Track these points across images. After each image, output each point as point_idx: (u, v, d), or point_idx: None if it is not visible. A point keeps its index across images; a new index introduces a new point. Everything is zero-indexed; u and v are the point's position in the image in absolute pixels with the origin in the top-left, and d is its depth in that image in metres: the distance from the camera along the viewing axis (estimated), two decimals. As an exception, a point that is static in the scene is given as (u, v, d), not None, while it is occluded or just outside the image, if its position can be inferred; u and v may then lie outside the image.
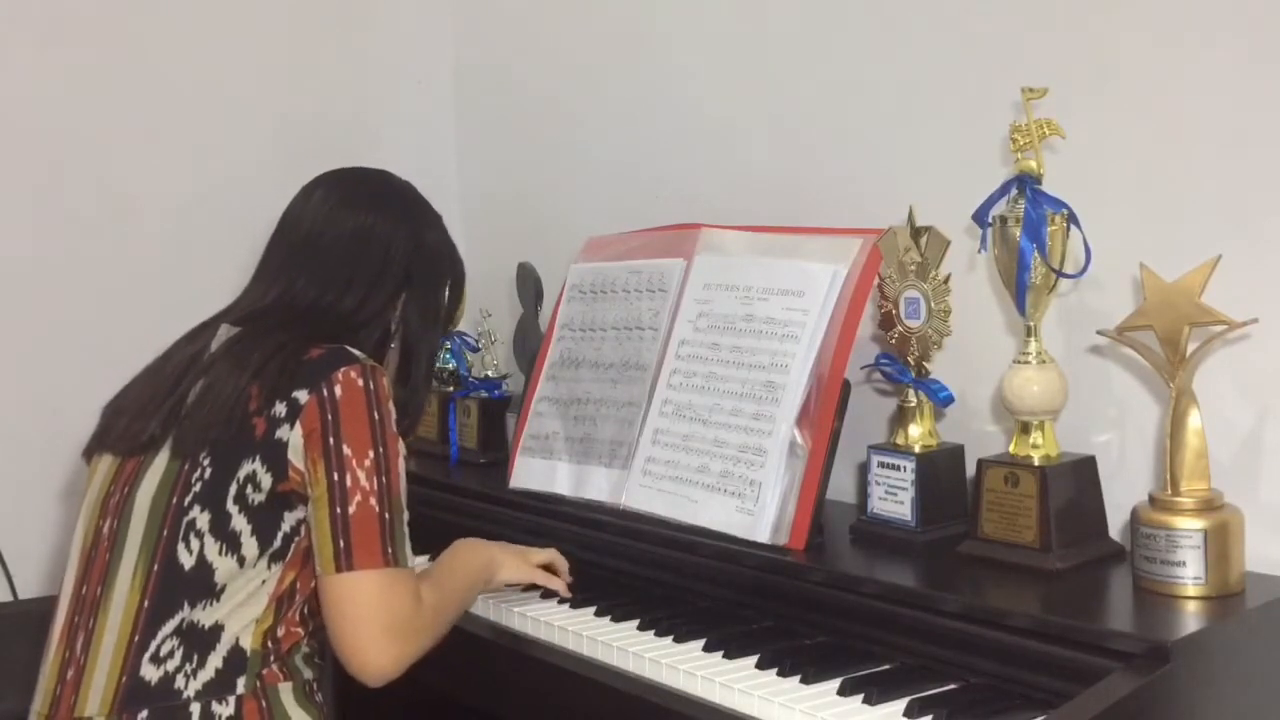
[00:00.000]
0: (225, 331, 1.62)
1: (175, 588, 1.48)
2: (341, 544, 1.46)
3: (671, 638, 1.62)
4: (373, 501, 1.47)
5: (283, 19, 2.61)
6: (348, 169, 1.76)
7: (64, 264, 2.36)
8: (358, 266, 1.65)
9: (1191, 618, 1.40)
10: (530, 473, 2.07)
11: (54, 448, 2.30)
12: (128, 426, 1.58)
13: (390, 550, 1.48)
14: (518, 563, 1.76)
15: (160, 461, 1.53)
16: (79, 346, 2.35)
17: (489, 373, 2.42)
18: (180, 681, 1.45)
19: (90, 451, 1.64)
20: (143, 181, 2.44)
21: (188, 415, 1.53)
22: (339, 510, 1.46)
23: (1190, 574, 1.44)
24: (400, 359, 1.71)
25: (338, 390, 1.49)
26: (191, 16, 2.49)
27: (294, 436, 1.48)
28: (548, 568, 1.80)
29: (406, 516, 1.53)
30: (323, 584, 1.48)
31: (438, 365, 2.34)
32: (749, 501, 1.73)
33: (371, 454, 1.49)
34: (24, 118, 2.33)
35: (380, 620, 1.46)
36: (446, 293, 1.77)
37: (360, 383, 1.50)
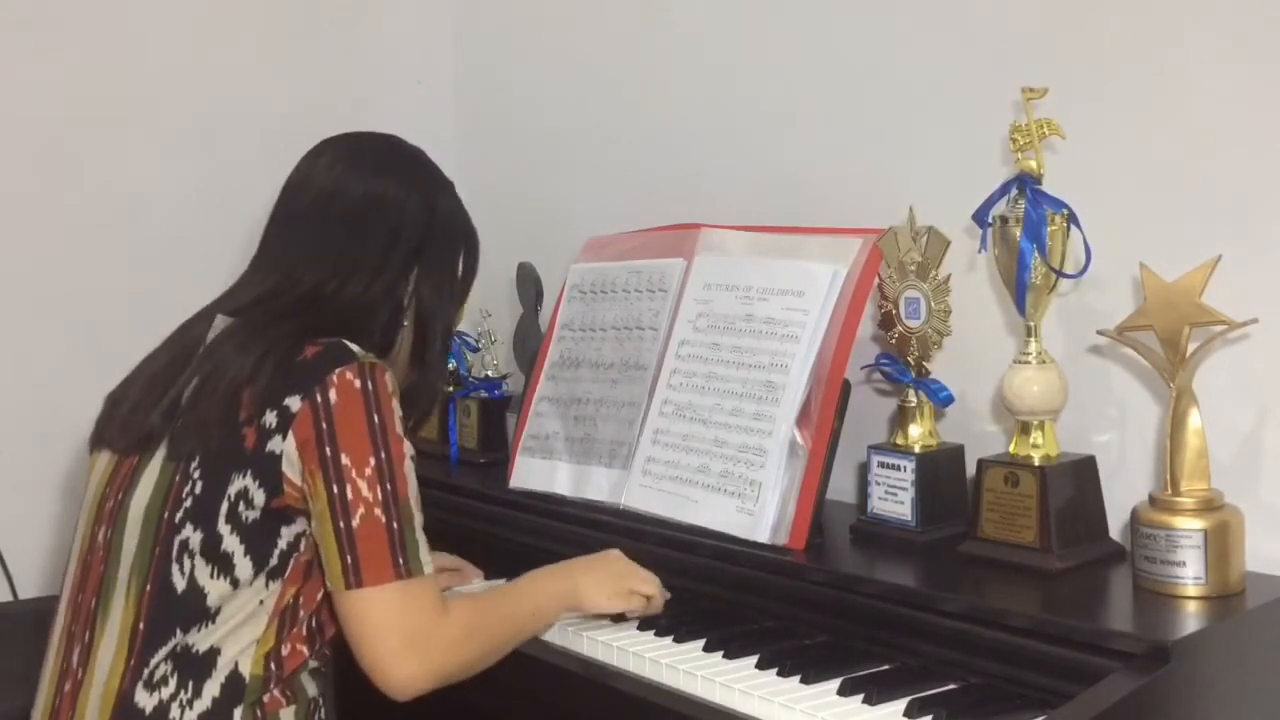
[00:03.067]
0: (221, 322, 1.55)
1: (169, 610, 1.42)
2: (349, 560, 1.39)
3: (671, 638, 1.62)
4: (378, 512, 1.40)
5: (282, 19, 2.61)
6: (355, 133, 1.68)
7: (64, 263, 2.36)
8: (366, 241, 1.56)
9: (1191, 618, 1.40)
10: (530, 473, 2.07)
11: (54, 447, 2.30)
12: (125, 421, 1.53)
13: (402, 561, 1.40)
14: (609, 595, 1.63)
15: (154, 467, 1.48)
16: (79, 345, 2.35)
17: (489, 373, 2.42)
18: (175, 711, 1.39)
19: (92, 442, 1.59)
20: (142, 181, 2.44)
21: (182, 415, 1.48)
22: (342, 525, 1.39)
23: (1190, 574, 1.44)
24: (414, 338, 1.63)
25: (332, 395, 1.41)
26: (191, 16, 2.49)
27: (287, 448, 1.41)
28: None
29: (419, 520, 1.44)
30: (335, 601, 1.42)
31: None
32: (749, 501, 1.73)
33: (373, 461, 1.41)
34: (24, 117, 2.33)
35: (397, 634, 1.40)
36: (461, 263, 1.69)
37: (357, 384, 1.42)
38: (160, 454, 1.48)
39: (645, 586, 1.66)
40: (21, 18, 2.32)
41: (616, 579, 1.65)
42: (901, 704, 1.39)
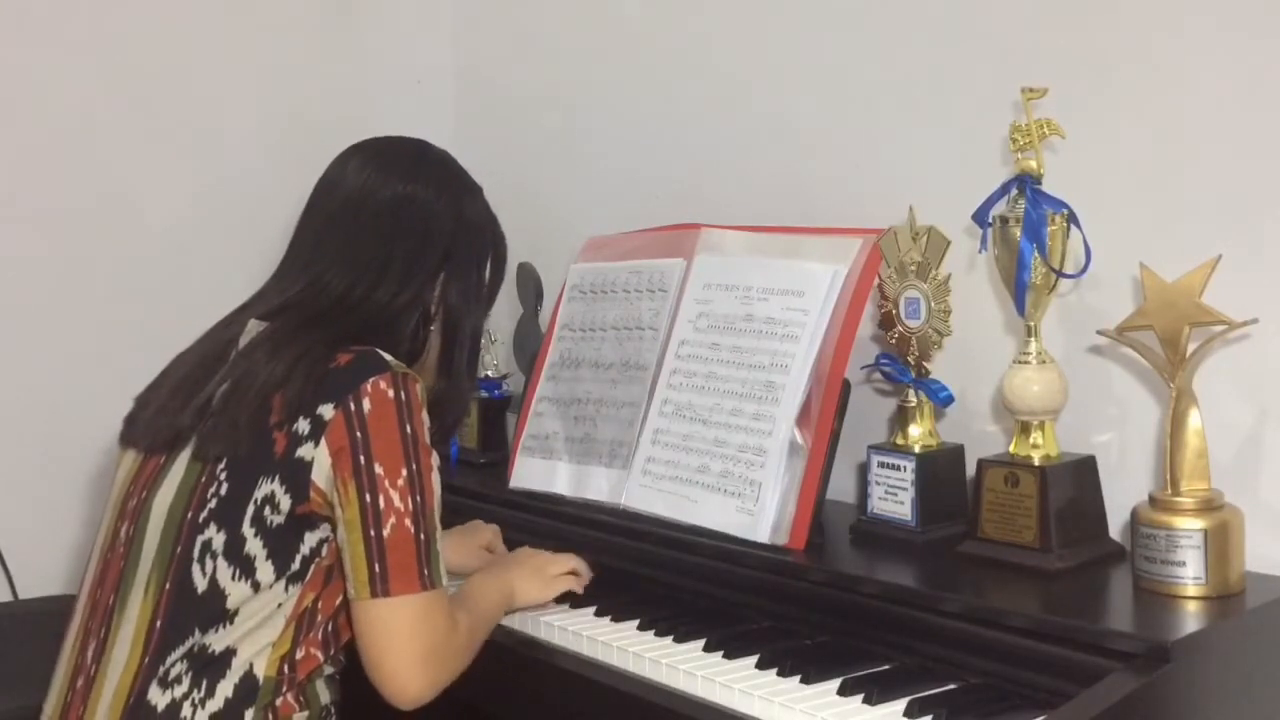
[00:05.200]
0: (254, 327, 1.55)
1: (187, 610, 1.42)
2: (377, 569, 1.40)
3: (671, 638, 1.62)
4: (408, 523, 1.41)
5: (282, 18, 2.61)
6: (384, 137, 1.70)
7: (65, 264, 2.36)
8: (394, 245, 1.57)
9: (1191, 618, 1.40)
10: (530, 473, 2.07)
11: (54, 447, 2.31)
12: (152, 420, 1.54)
13: (427, 572, 1.42)
14: (539, 585, 1.71)
15: (179, 467, 1.48)
16: (79, 346, 2.35)
17: (489, 373, 2.42)
18: (187, 710, 1.40)
19: (120, 441, 1.60)
20: (143, 181, 2.44)
21: (212, 416, 1.48)
22: (373, 534, 1.40)
23: (1190, 574, 1.44)
24: (441, 344, 1.64)
25: (366, 404, 1.42)
26: (191, 16, 2.49)
27: (319, 455, 1.41)
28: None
29: (440, 531, 1.47)
30: (356, 609, 1.43)
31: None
32: (749, 501, 1.73)
33: (405, 472, 1.42)
34: (24, 117, 2.33)
35: (417, 647, 1.42)
36: (488, 268, 1.70)
37: (391, 394, 1.43)
38: (186, 454, 1.49)
39: (565, 565, 1.74)
40: (21, 18, 2.32)
41: (540, 570, 1.72)
42: (901, 704, 1.38)
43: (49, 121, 2.35)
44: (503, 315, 2.48)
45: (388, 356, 1.48)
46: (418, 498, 1.43)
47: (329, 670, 1.49)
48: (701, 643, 1.58)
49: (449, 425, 1.64)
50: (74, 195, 2.37)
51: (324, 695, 1.49)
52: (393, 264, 1.57)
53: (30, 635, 1.91)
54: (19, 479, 2.30)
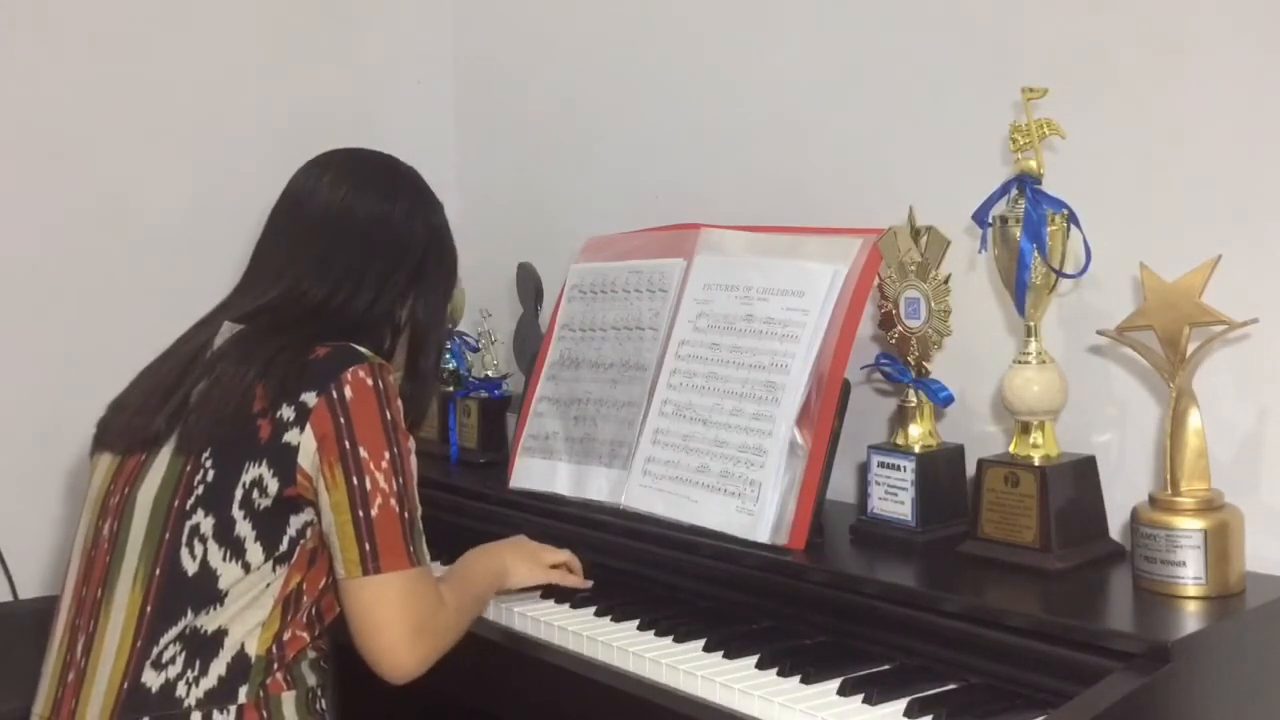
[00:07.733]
0: (229, 329, 1.59)
1: (178, 593, 1.46)
2: (367, 547, 1.46)
3: (671, 638, 1.62)
4: (393, 503, 1.47)
5: (283, 17, 2.61)
6: (355, 151, 1.73)
7: (64, 264, 2.36)
8: (372, 260, 1.62)
9: (1191, 618, 1.40)
10: (530, 473, 2.07)
11: (54, 447, 2.30)
12: (128, 423, 1.57)
13: (412, 549, 1.49)
14: (530, 568, 1.77)
15: (161, 461, 1.51)
16: (78, 346, 2.35)
17: (489, 373, 2.42)
18: (181, 689, 1.43)
19: (94, 446, 1.62)
20: (142, 181, 2.44)
21: (192, 412, 1.52)
22: (361, 514, 1.46)
23: (1190, 574, 1.44)
24: (408, 352, 1.69)
25: (348, 391, 1.47)
26: (191, 15, 2.49)
27: (305, 440, 1.46)
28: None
29: (420, 511, 1.53)
30: (347, 588, 1.48)
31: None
32: (749, 501, 1.73)
33: (388, 455, 1.48)
34: (24, 117, 2.33)
35: (409, 621, 1.47)
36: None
37: (370, 382, 1.49)
38: (168, 449, 1.52)
39: (559, 556, 1.80)
40: (21, 18, 2.32)
41: (534, 556, 1.78)
42: (901, 704, 1.39)
43: (49, 121, 2.35)
44: (503, 315, 2.48)
45: (363, 349, 1.53)
46: (399, 479, 1.49)
47: (312, 654, 1.53)
48: (701, 643, 1.58)
49: (412, 423, 1.67)
50: (74, 195, 2.37)
51: (309, 678, 1.52)
52: (369, 277, 1.62)
53: (31, 635, 1.91)
54: (19, 479, 2.30)
